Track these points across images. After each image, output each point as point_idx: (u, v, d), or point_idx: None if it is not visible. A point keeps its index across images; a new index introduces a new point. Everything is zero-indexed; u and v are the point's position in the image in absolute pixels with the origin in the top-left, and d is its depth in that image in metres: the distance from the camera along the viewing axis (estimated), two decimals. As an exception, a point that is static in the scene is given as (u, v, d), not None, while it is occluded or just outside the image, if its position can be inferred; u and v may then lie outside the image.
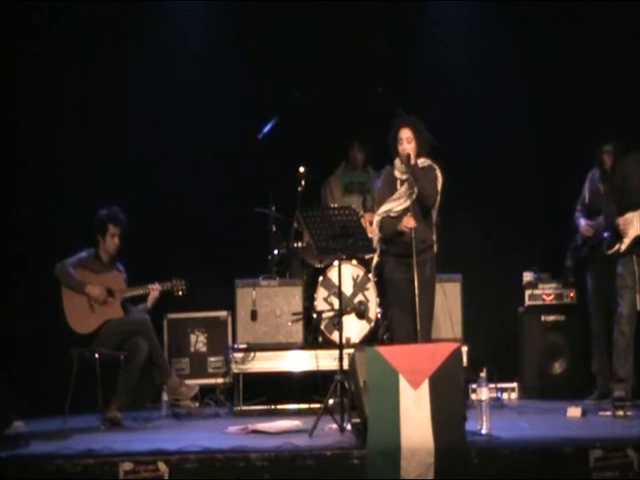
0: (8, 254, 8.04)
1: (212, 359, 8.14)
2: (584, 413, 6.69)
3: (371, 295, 7.69)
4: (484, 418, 5.84)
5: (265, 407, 7.61)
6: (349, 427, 6.04)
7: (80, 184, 8.24)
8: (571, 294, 8.11)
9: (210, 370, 8.12)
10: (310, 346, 7.65)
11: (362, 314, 7.65)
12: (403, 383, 5.45)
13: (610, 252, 6.93)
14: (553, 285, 8.15)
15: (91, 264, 7.19)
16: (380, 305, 7.66)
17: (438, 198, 6.52)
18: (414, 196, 6.44)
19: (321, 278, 7.74)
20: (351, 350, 6.15)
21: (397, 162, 6.58)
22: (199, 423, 7.19)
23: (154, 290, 7.24)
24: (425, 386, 5.46)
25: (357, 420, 5.78)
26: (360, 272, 7.72)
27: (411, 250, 6.30)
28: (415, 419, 5.39)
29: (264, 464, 5.42)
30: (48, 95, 8.24)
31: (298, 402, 7.63)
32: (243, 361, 7.60)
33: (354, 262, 7.73)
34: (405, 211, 6.45)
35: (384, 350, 5.61)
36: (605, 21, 8.29)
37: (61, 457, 5.53)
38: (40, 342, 7.84)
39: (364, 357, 5.60)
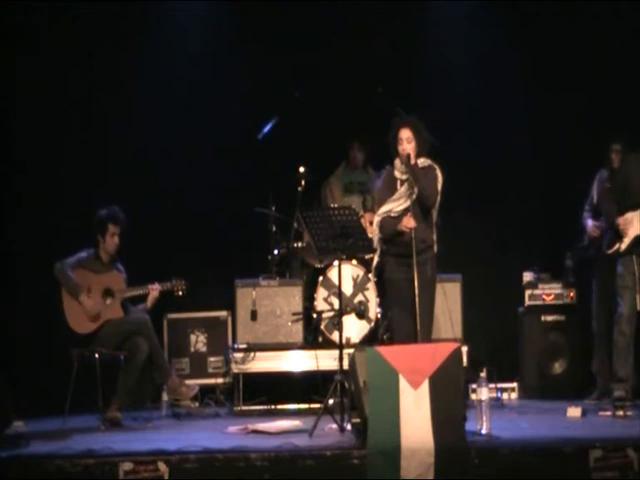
0: (8, 254, 8.05)
1: (212, 359, 8.13)
2: (584, 413, 6.69)
3: (371, 295, 7.69)
4: (484, 418, 5.83)
5: (265, 407, 7.60)
6: (349, 427, 6.04)
7: (80, 184, 8.24)
8: (571, 294, 8.11)
9: (210, 370, 8.11)
10: (310, 346, 7.64)
11: (362, 314, 7.65)
12: (403, 383, 5.45)
13: (610, 252, 6.93)
14: (553, 285, 8.15)
15: (91, 264, 7.19)
16: (380, 305, 7.65)
17: (438, 198, 6.51)
18: (414, 196, 6.43)
19: (321, 278, 7.74)
20: (351, 350, 6.14)
21: (397, 162, 6.57)
22: (199, 423, 7.18)
23: (154, 290, 7.23)
24: (425, 386, 5.45)
25: (357, 420, 5.78)
26: (360, 272, 7.71)
27: (411, 250, 6.29)
28: (415, 419, 5.39)
29: (264, 464, 5.42)
30: (48, 95, 8.24)
31: (298, 402, 7.63)
32: (243, 361, 7.60)
33: (354, 262, 7.73)
34: (405, 211, 6.44)
35: (384, 350, 5.61)
36: (605, 21, 8.30)
37: (61, 457, 5.53)
38: (40, 342, 7.85)
39: (364, 357, 5.59)
